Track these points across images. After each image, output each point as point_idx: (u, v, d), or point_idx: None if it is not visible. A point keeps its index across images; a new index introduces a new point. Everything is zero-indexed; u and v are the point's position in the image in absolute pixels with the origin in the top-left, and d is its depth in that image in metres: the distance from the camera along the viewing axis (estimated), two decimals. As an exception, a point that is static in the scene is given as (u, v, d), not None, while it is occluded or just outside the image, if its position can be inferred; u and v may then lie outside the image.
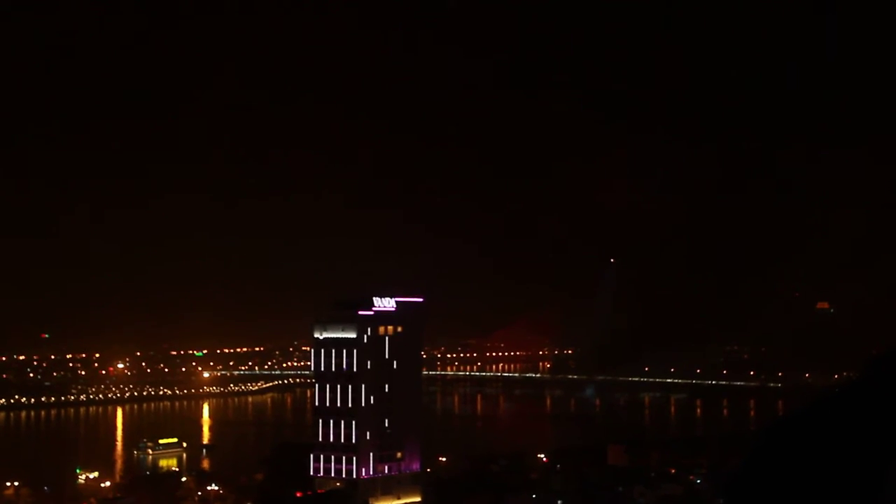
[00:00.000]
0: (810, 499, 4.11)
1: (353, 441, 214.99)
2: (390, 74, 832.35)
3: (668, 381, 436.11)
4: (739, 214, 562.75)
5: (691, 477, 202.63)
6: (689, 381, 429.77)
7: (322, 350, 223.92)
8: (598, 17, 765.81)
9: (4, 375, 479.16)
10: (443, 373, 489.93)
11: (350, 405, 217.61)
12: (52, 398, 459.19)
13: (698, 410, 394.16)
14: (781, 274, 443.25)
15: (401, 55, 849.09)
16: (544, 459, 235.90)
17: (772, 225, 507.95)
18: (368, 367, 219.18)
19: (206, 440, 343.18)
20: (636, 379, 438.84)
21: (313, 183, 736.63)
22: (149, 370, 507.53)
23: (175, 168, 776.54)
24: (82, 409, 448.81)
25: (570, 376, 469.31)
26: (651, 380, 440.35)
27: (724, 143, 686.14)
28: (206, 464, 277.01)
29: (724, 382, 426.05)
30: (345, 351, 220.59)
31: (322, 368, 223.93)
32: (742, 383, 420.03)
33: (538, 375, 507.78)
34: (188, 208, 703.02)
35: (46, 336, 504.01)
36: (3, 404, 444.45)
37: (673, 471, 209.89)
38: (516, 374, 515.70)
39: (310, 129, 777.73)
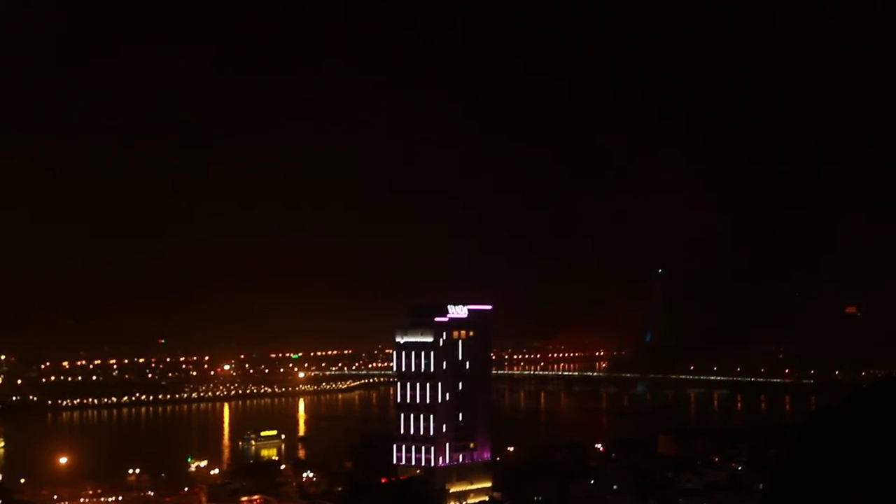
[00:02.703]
0: (849, 484, 4.04)
1: (431, 433, 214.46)
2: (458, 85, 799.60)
3: (712, 378, 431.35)
4: (776, 225, 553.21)
5: (733, 464, 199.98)
6: (731, 379, 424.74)
7: (403, 353, 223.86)
8: (654, 20, 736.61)
9: (127, 376, 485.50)
10: (510, 372, 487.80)
11: (428, 401, 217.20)
12: (168, 396, 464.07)
13: (739, 405, 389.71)
14: (815, 281, 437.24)
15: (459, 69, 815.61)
16: (601, 449, 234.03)
17: (806, 236, 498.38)
18: (444, 367, 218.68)
19: (301, 432, 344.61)
20: (683, 377, 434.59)
21: (398, 197, 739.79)
22: (251, 371, 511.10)
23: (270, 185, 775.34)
24: (193, 406, 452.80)
25: (624, 375, 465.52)
26: (696, 377, 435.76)
27: (764, 154, 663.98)
28: (302, 453, 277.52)
29: (761, 379, 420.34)
30: (423, 353, 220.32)
31: (403, 369, 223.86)
32: (778, 380, 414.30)
33: (595, 374, 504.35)
34: (286, 235, 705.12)
35: (163, 342, 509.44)
36: (126, 401, 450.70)
37: (717, 459, 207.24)
38: (575, 373, 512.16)
39: (389, 148, 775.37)
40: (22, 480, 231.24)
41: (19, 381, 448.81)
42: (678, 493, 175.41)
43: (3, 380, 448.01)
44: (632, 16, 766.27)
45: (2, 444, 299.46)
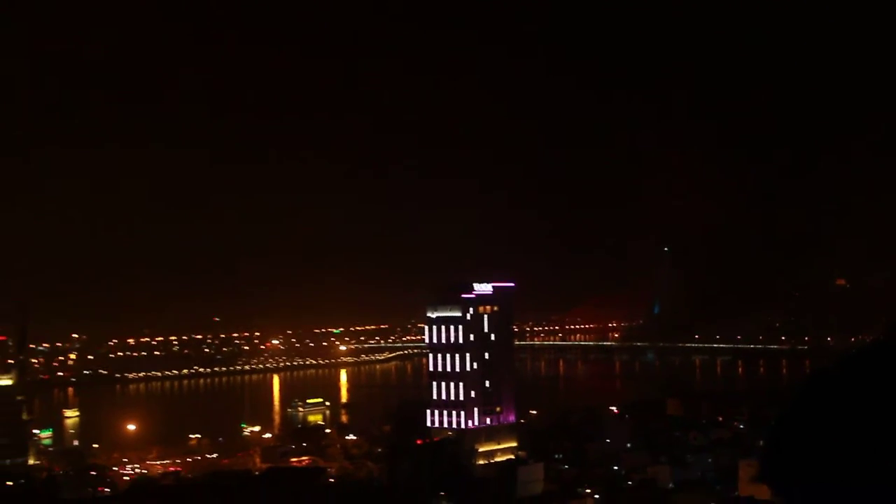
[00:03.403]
0: (841, 436, 4.16)
1: (461, 398, 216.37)
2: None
3: (715, 346, 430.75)
4: (774, 208, 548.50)
5: (735, 423, 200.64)
6: (732, 346, 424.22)
7: (434, 326, 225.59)
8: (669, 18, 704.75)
9: (186, 351, 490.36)
10: (531, 343, 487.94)
11: (458, 370, 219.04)
12: (223, 368, 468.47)
13: (740, 370, 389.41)
14: (809, 257, 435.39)
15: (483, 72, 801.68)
16: (615, 411, 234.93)
17: (801, 218, 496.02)
18: (471, 339, 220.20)
19: (344, 400, 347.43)
20: (689, 345, 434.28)
21: (430, 183, 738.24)
22: (297, 345, 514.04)
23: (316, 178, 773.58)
24: (246, 377, 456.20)
25: (635, 344, 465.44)
26: (701, 345, 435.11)
27: (761, 145, 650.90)
28: (344, 418, 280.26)
29: (760, 346, 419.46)
30: (452, 326, 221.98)
31: (435, 341, 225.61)
32: (775, 347, 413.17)
33: (608, 343, 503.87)
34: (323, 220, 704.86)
35: (217, 319, 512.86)
36: (186, 373, 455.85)
37: (720, 418, 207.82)
38: (591, 343, 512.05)
39: (417, 140, 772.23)
40: (95, 446, 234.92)
41: (91, 357, 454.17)
42: (685, 450, 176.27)
43: (76, 356, 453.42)
44: (644, 13, 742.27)
45: (77, 413, 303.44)
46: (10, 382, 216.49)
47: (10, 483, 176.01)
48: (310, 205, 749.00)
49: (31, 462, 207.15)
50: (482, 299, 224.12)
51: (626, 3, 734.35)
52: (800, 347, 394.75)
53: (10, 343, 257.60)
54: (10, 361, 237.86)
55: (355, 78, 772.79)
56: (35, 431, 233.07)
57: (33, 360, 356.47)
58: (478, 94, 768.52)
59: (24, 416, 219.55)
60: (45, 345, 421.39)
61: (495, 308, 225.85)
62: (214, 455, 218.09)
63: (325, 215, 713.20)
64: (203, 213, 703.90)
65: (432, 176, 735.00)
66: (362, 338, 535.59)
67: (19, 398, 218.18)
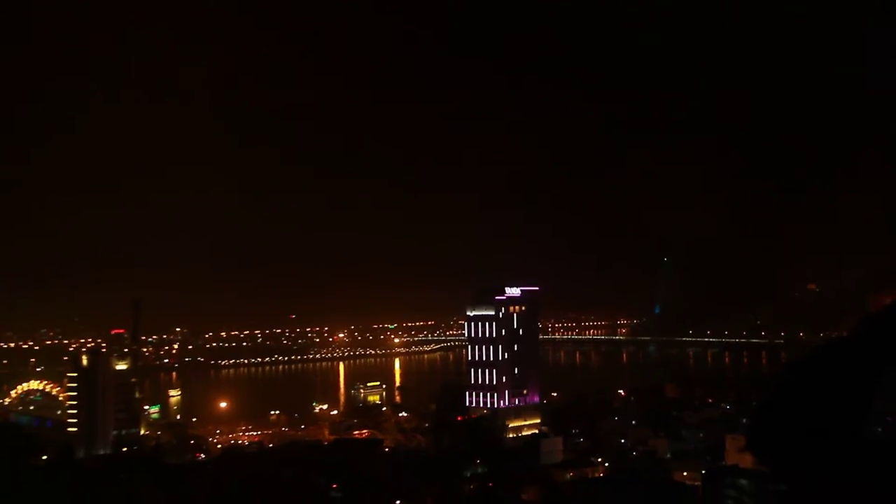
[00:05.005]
0: (813, 415, 4.39)
1: (494, 383, 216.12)
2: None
3: (706, 340, 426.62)
4: (756, 222, 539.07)
5: (723, 405, 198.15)
6: (720, 340, 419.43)
7: (472, 323, 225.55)
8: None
9: (268, 342, 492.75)
10: (552, 337, 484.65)
11: (492, 359, 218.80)
12: (298, 357, 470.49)
13: (727, 360, 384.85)
14: (785, 264, 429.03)
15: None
16: (623, 394, 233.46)
17: (778, 230, 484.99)
18: (503, 333, 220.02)
19: (397, 383, 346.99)
20: (684, 339, 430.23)
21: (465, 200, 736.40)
22: (359, 337, 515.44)
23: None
24: (317, 364, 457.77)
25: (640, 338, 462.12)
26: (694, 339, 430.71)
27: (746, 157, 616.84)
28: (398, 398, 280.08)
29: (743, 340, 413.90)
30: (487, 323, 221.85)
31: (472, 335, 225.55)
32: (756, 341, 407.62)
33: (618, 337, 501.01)
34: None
35: (294, 316, 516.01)
36: (267, 361, 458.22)
37: (710, 400, 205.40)
38: (602, 337, 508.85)
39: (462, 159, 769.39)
40: (194, 419, 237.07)
41: (190, 347, 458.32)
42: (681, 427, 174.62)
43: (179, 346, 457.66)
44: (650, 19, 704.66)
45: (179, 393, 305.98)
46: (126, 367, 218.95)
47: (126, 449, 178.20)
48: (374, 220, 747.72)
49: (142, 432, 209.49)
50: (512, 300, 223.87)
51: (627, 25, 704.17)
52: (777, 341, 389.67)
53: (126, 335, 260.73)
54: (126, 350, 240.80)
55: (420, 115, 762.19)
56: (146, 407, 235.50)
57: (144, 349, 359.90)
58: (509, 131, 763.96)
59: (137, 395, 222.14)
60: (154, 336, 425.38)
61: (523, 308, 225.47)
62: (290, 428, 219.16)
63: (386, 229, 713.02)
64: (286, 226, 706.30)
65: (484, 205, 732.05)
66: (413, 332, 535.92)
67: (133, 380, 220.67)
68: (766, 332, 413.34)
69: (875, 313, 4.49)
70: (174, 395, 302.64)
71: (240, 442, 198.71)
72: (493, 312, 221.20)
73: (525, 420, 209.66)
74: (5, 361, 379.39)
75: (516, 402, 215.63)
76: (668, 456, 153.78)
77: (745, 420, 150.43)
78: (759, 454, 4.45)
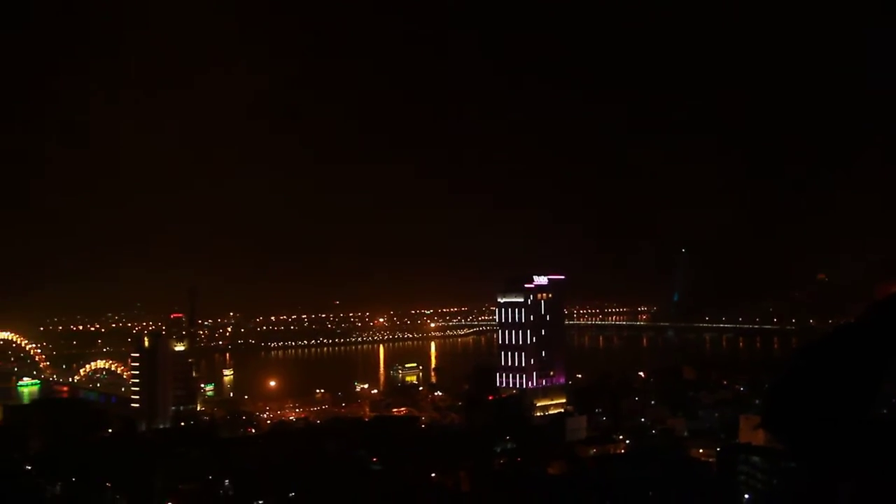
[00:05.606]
0: (824, 393, 4.42)
1: (523, 365, 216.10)
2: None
3: (721, 326, 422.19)
4: (770, 214, 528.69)
5: (736, 386, 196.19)
6: (735, 326, 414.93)
7: (503, 309, 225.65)
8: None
9: (314, 326, 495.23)
10: (577, 322, 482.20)
11: (520, 343, 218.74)
12: (341, 340, 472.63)
13: (741, 344, 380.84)
14: (796, 254, 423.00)
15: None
16: (643, 376, 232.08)
17: (792, 221, 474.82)
18: (531, 319, 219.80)
19: (433, 365, 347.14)
20: (701, 325, 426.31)
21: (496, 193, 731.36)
22: (398, 322, 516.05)
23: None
24: (359, 347, 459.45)
25: (659, 324, 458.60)
26: (710, 325, 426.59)
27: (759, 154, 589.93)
28: (434, 378, 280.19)
29: (756, 326, 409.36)
30: (516, 309, 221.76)
31: (503, 320, 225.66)
32: (769, 327, 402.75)
33: (639, 323, 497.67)
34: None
35: (338, 302, 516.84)
36: (313, 343, 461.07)
37: (725, 382, 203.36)
38: (624, 322, 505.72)
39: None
40: (245, 397, 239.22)
41: (242, 330, 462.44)
42: (698, 407, 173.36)
43: (232, 329, 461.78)
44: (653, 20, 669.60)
45: (232, 372, 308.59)
46: (183, 348, 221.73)
47: (183, 423, 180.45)
48: (413, 214, 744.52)
49: (198, 408, 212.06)
50: (540, 288, 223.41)
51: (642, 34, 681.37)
52: (788, 327, 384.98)
53: (184, 319, 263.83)
54: (184, 333, 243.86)
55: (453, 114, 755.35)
56: (201, 385, 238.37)
57: (200, 332, 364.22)
58: (536, 135, 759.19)
59: (194, 374, 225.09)
60: (209, 320, 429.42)
61: (550, 295, 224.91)
62: (333, 405, 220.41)
63: (424, 222, 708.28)
64: (332, 219, 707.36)
65: (514, 203, 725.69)
66: (447, 317, 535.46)
67: (190, 360, 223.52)
68: (778, 319, 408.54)
69: (881, 301, 4.53)
70: (227, 374, 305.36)
71: (287, 418, 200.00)
72: (522, 299, 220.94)
73: (551, 400, 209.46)
74: (75, 342, 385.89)
75: (543, 382, 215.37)
76: (686, 434, 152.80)
77: (757, 401, 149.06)
78: (775, 429, 4.47)
